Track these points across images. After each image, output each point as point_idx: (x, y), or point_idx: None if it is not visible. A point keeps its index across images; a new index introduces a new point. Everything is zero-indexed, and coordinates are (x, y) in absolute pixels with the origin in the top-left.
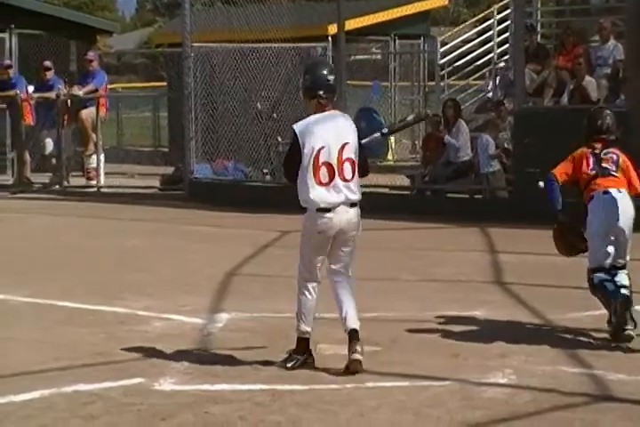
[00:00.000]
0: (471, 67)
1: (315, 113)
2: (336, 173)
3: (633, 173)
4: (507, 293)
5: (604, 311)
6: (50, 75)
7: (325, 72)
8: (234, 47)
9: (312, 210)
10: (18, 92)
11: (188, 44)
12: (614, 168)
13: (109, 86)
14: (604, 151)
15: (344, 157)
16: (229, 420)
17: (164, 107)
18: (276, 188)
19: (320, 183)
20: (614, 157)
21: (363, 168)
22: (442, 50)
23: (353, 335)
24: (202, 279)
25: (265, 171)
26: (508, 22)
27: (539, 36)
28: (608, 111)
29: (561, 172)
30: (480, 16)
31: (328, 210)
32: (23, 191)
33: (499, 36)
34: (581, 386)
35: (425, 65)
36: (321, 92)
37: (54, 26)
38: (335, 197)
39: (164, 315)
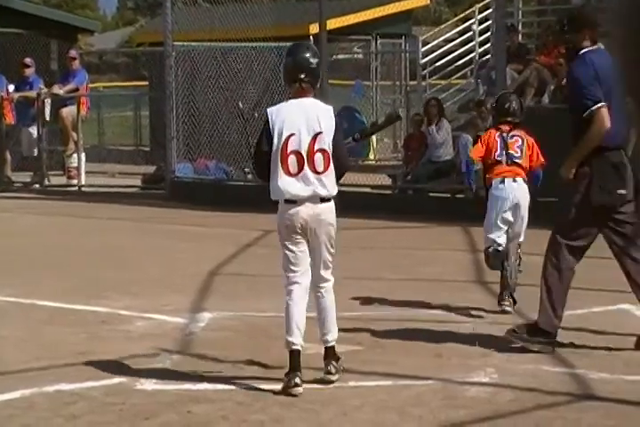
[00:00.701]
0: (453, 66)
1: (293, 98)
2: (306, 163)
3: (535, 151)
4: (489, 292)
5: (586, 310)
6: (29, 72)
7: (308, 55)
8: (215, 46)
9: (281, 202)
10: None
11: (170, 42)
12: (519, 154)
13: (91, 85)
14: (511, 134)
15: (316, 147)
16: (212, 419)
17: (145, 106)
18: (257, 187)
19: (288, 173)
20: (519, 140)
21: (338, 164)
22: (423, 49)
23: (328, 352)
24: (184, 278)
25: (247, 170)
26: (490, 22)
27: (520, 36)
28: (515, 96)
29: (478, 155)
30: (461, 15)
31: (294, 202)
32: (4, 190)
33: (480, 35)
34: (563, 385)
35: (407, 64)
36: (302, 76)
37: (35, 24)
38: (302, 189)
39: (147, 314)
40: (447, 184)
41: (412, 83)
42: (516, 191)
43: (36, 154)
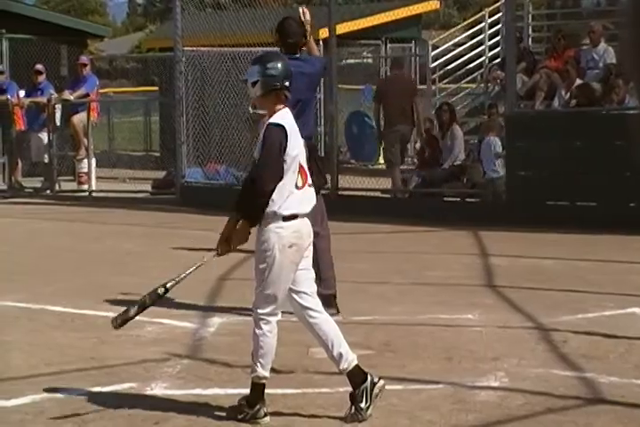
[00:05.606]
0: (462, 70)
1: (277, 109)
2: (308, 176)
3: None
4: (499, 296)
5: (597, 314)
6: (41, 78)
7: (285, 62)
8: (225, 51)
9: (277, 220)
10: (9, 97)
11: (180, 48)
12: None
13: (101, 91)
14: None
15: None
16: (222, 424)
17: (155, 111)
18: None
19: (296, 186)
20: None
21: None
22: (433, 53)
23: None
24: (194, 283)
25: None
26: (500, 26)
27: (530, 40)
28: None
29: None
30: (471, 19)
31: (295, 217)
32: (14, 196)
33: (490, 39)
34: (573, 389)
35: (416, 68)
36: (287, 83)
37: (46, 30)
38: (306, 204)
39: (156, 319)
40: (458, 188)
41: (421, 87)
42: None
43: (45, 159)
